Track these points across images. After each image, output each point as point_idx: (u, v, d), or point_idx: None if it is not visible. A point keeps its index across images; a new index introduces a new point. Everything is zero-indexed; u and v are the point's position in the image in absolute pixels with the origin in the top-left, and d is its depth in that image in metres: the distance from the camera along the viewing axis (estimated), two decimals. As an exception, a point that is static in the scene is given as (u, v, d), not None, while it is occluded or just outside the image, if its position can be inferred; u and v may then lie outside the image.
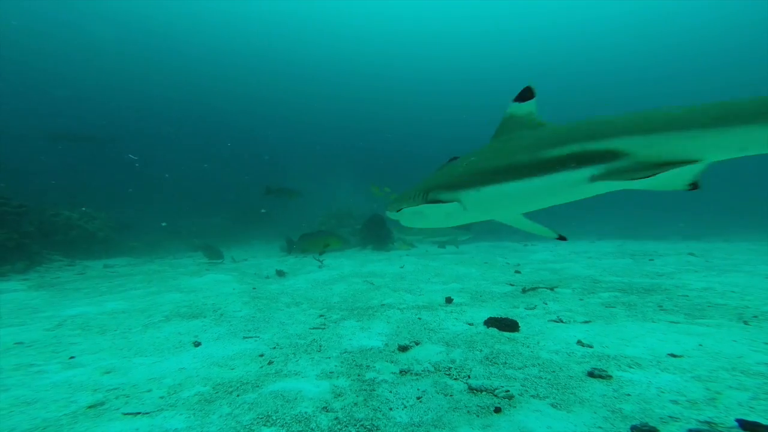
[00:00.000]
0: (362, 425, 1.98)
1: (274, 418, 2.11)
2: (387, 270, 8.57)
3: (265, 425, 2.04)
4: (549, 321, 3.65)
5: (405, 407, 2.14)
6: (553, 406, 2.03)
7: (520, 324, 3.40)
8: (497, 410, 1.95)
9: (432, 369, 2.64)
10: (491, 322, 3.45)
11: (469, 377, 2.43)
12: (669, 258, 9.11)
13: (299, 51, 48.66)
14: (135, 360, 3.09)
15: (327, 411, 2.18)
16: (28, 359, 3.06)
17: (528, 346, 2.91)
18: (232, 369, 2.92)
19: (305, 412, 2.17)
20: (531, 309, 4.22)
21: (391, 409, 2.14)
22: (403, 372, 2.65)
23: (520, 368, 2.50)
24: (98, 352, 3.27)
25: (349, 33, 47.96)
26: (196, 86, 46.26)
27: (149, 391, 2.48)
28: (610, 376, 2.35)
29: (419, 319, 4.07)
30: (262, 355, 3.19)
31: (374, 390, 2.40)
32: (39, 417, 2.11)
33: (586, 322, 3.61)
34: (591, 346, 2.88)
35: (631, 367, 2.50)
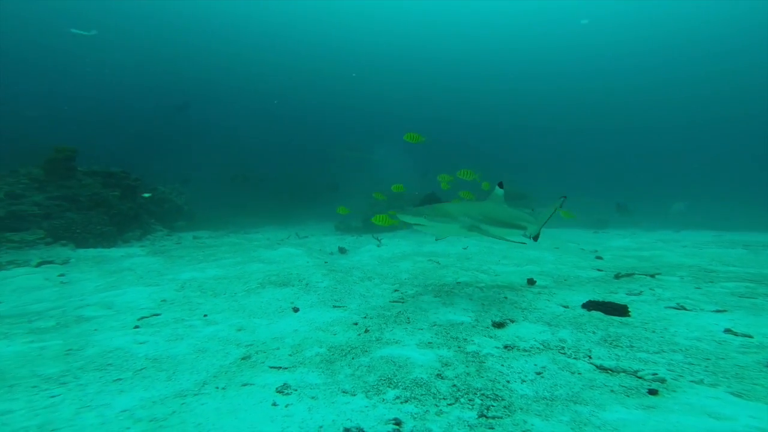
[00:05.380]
0: (483, 394, 2.01)
1: (395, 381, 2.23)
2: (449, 250, 8.49)
3: (389, 387, 2.17)
4: (666, 308, 3.33)
5: (524, 381, 2.12)
6: (735, 395, 1.87)
7: (629, 309, 3.14)
8: (653, 392, 1.84)
9: (540, 346, 2.57)
10: (592, 305, 3.25)
11: (590, 357, 2.32)
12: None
13: (367, 43, 48.48)
14: (254, 321, 3.48)
15: (442, 378, 2.25)
16: (178, 314, 3.63)
17: (653, 331, 2.70)
18: (335, 335, 3.14)
19: (421, 378, 2.26)
20: (636, 295, 3.89)
21: (508, 381, 2.14)
22: (507, 347, 2.63)
23: (655, 353, 2.33)
24: (221, 312, 3.75)
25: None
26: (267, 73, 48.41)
27: (277, 349, 2.78)
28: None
29: (505, 298, 3.98)
30: (356, 324, 3.38)
31: (484, 362, 2.41)
32: (216, 364, 2.50)
33: (719, 311, 3.27)
34: (750, 336, 2.62)
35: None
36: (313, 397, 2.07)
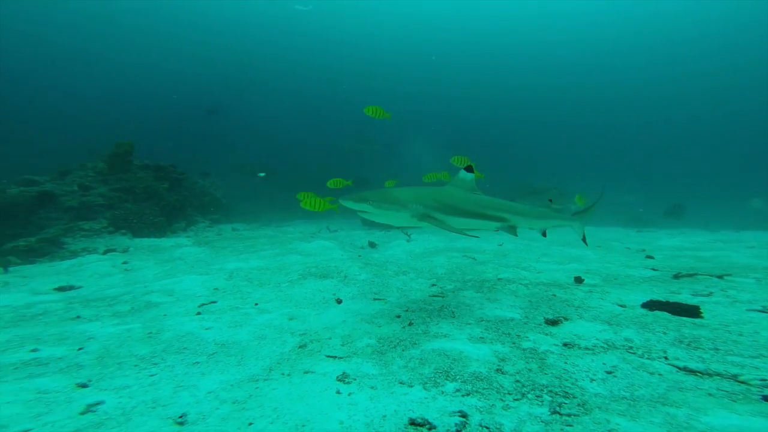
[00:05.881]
0: (551, 391, 1.96)
1: (452, 374, 2.23)
2: (484, 247, 8.31)
3: (446, 379, 2.17)
4: (749, 310, 3.08)
5: (593, 380, 2.04)
6: None
7: (701, 310, 2.93)
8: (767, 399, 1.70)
9: (604, 345, 2.46)
10: (655, 305, 3.06)
11: (666, 358, 2.20)
12: None
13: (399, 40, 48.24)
14: (303, 311, 3.61)
15: (502, 373, 2.21)
16: (231, 302, 3.84)
17: (740, 335, 2.51)
18: (380, 326, 3.17)
19: (480, 372, 2.24)
20: (705, 296, 3.62)
21: (576, 379, 2.06)
22: (567, 345, 2.54)
23: (752, 357, 2.18)
24: (270, 301, 3.92)
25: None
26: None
27: (329, 339, 2.86)
28: None
29: (554, 296, 3.85)
30: (399, 317, 3.40)
31: (545, 359, 2.35)
32: (276, 351, 2.63)
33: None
34: None
35: None
36: (372, 387, 2.12)
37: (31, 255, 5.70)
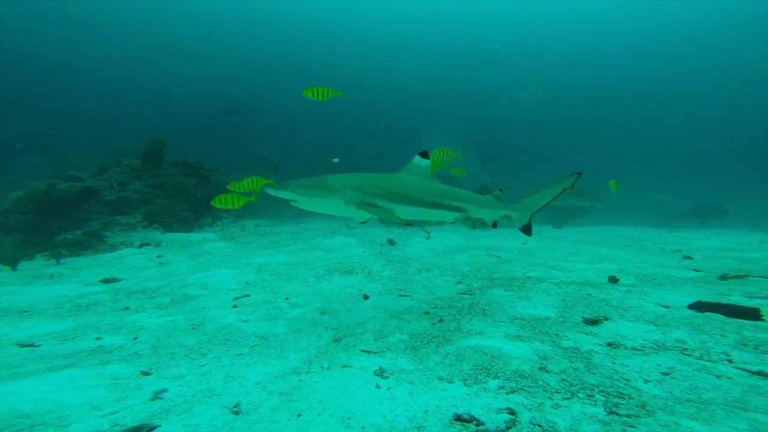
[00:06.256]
0: (602, 391, 1.89)
1: (493, 371, 2.19)
2: (507, 245, 8.15)
3: (488, 376, 2.13)
4: None
5: (648, 381, 1.96)
6: None
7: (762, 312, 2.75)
8: None
9: (654, 346, 2.36)
10: (705, 307, 2.90)
11: (730, 361, 2.08)
12: None
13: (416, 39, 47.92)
14: (333, 305, 3.65)
15: (546, 371, 2.16)
16: (263, 296, 3.94)
17: None
18: (409, 322, 3.16)
19: (523, 370, 2.19)
20: (763, 298, 3.42)
21: (628, 380, 1.99)
22: (612, 345, 2.45)
23: None
24: (300, 295, 3.99)
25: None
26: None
27: (362, 333, 2.88)
28: None
29: (589, 295, 3.72)
30: (427, 313, 3.38)
31: (590, 359, 2.27)
32: (313, 344, 2.68)
33: None
34: None
35: None
36: (410, 382, 2.11)
37: (77, 247, 6.08)
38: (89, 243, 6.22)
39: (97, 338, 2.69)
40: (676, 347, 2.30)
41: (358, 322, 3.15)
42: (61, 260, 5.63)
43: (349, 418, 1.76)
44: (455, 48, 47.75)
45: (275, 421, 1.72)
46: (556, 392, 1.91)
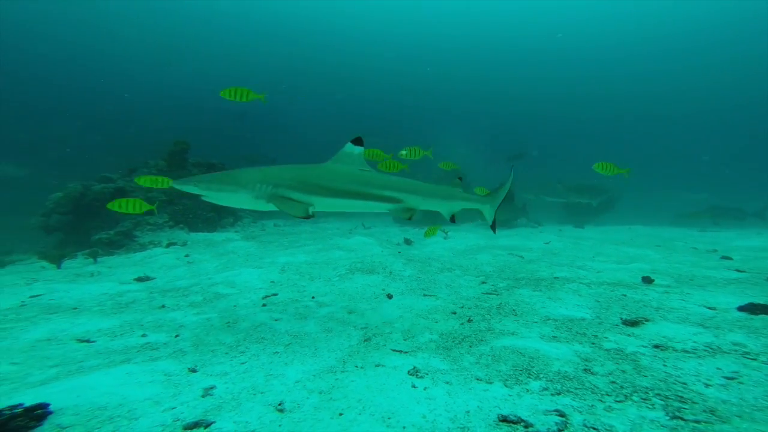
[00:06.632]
0: (659, 394, 1.80)
1: (534, 372, 2.12)
2: (529, 245, 7.99)
3: (529, 377, 2.07)
4: None
5: (709, 385, 1.85)
6: None
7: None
8: None
9: (708, 349, 2.24)
10: (759, 309, 2.74)
11: None
12: None
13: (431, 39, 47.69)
14: (358, 305, 3.65)
15: (591, 373, 2.08)
16: (290, 295, 3.99)
17: None
18: (436, 322, 3.12)
19: (566, 371, 2.12)
20: None
21: (685, 383, 1.88)
22: (658, 347, 2.34)
23: None
24: (325, 294, 4.00)
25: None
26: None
27: (390, 333, 2.86)
28: None
29: (624, 296, 3.58)
30: (454, 313, 3.32)
31: (637, 361, 2.18)
32: (344, 344, 2.69)
33: None
34: None
35: None
36: (447, 382, 2.07)
37: (111, 246, 6.33)
38: (122, 242, 6.46)
39: (143, 335, 2.78)
40: (735, 351, 2.17)
41: (386, 322, 3.13)
42: (98, 259, 5.87)
43: (389, 418, 1.74)
44: (472, 46, 47.14)
45: (319, 419, 1.71)
46: (607, 395, 1.83)
